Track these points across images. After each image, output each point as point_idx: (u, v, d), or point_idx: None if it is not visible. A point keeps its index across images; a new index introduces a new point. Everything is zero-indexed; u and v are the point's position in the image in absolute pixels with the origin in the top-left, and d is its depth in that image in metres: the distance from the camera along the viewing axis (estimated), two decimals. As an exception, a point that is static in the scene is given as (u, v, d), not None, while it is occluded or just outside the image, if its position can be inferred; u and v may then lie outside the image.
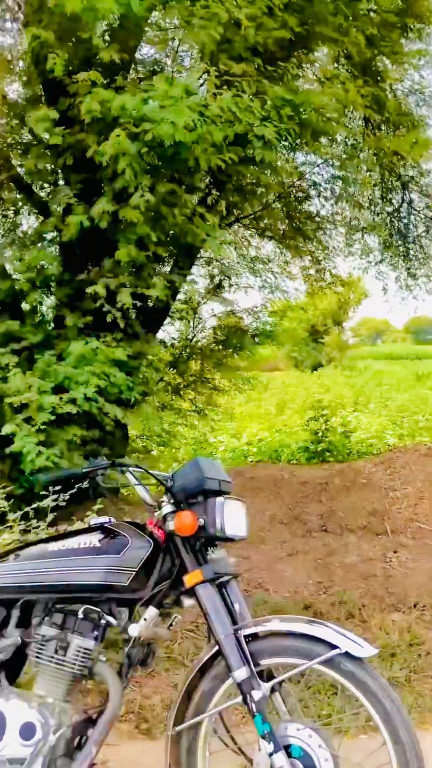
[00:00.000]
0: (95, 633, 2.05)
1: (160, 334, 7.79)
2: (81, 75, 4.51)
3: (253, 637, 1.99)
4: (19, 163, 5.56)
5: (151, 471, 2.20)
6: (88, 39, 4.53)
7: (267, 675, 2.00)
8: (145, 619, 1.99)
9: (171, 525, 2.04)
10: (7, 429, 4.87)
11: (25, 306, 5.98)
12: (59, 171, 5.68)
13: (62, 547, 2.10)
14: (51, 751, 1.93)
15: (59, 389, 5.26)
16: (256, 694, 1.89)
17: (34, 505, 3.44)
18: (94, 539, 2.09)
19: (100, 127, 4.86)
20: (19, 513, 3.42)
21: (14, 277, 5.77)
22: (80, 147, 4.98)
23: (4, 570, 2.11)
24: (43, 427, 4.98)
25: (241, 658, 1.93)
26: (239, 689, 1.92)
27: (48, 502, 3.50)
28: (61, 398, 5.02)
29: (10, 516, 3.40)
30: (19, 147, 6.13)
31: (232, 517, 2.07)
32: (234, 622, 2.06)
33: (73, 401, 5.13)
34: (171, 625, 2.26)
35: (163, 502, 2.14)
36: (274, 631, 1.97)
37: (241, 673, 1.91)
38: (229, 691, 2.02)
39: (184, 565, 2.06)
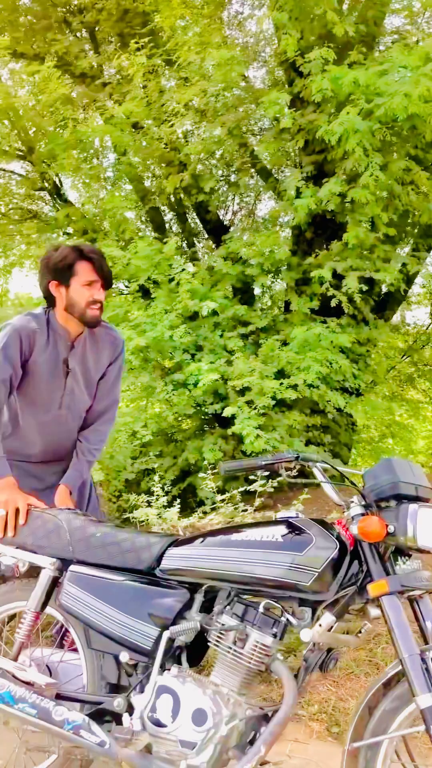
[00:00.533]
0: (274, 630, 1.98)
1: (396, 320, 7.49)
2: (312, 53, 4.40)
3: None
4: (254, 148, 5.60)
5: (340, 468, 2.07)
6: (323, 15, 4.39)
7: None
8: (320, 625, 1.88)
9: (355, 528, 1.89)
10: (229, 411, 4.99)
11: (257, 291, 6.09)
12: (292, 154, 5.64)
13: (245, 538, 2.05)
14: (222, 742, 1.92)
15: (284, 374, 5.27)
16: (442, 727, 1.69)
17: (241, 489, 3.47)
18: (277, 533, 2.02)
19: (333, 106, 4.72)
20: (227, 495, 3.48)
21: (250, 262, 5.87)
22: (312, 128, 4.88)
23: (189, 553, 2.12)
24: (263, 411, 5.04)
25: (426, 682, 1.74)
26: (422, 717, 1.73)
27: (256, 487, 3.50)
28: (282, 383, 5.02)
29: (218, 497, 3.47)
30: (255, 133, 6.21)
31: (427, 526, 1.87)
32: (425, 641, 1.88)
33: (294, 387, 5.12)
34: (360, 632, 2.13)
35: (352, 502, 2.00)
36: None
37: (425, 700, 1.72)
38: (415, 714, 1.84)
39: (370, 573, 1.91)
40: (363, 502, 1.97)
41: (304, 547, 1.95)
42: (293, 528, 2.02)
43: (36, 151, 6.35)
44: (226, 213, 7.45)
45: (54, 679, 2.24)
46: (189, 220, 7.30)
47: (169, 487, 5.36)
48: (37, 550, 2.30)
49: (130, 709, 2.03)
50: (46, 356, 2.59)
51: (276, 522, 2.08)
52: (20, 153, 6.59)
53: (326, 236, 5.80)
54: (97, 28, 6.63)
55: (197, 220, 7.15)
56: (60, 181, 7.02)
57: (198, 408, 5.72)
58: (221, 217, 7.12)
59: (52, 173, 6.59)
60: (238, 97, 5.36)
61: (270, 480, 3.60)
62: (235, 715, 1.95)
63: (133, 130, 6.18)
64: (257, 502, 3.54)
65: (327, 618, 1.88)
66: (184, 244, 7.12)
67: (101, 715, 2.07)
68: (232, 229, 6.79)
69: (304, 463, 2.03)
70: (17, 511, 2.38)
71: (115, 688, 2.17)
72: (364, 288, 5.05)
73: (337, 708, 2.93)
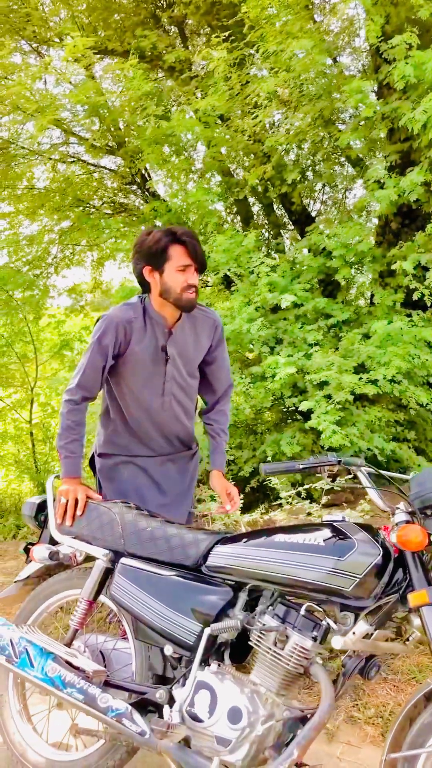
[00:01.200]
0: (314, 633, 1.97)
1: None
2: (395, 39, 4.26)
3: None
4: (336, 137, 5.48)
5: (387, 473, 2.03)
6: (407, -2, 4.25)
7: None
8: (353, 633, 1.85)
9: (395, 536, 1.85)
10: (306, 405, 4.94)
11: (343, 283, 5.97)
12: (378, 143, 5.48)
13: (289, 540, 2.05)
14: (258, 741, 1.93)
15: (365, 368, 5.16)
16: None
17: (306, 486, 3.44)
18: (320, 537, 2.00)
19: (419, 92, 4.55)
20: (292, 491, 3.46)
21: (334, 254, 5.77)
22: (397, 116, 4.73)
23: (233, 552, 2.14)
24: (342, 405, 4.95)
25: (465, 699, 1.69)
26: (458, 735, 1.68)
27: (322, 485, 3.47)
28: (361, 378, 4.92)
29: (283, 494, 3.46)
30: (344, 121, 6.07)
31: (472, 538, 1.81)
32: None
33: (374, 382, 5.00)
34: (407, 640, 2.09)
35: (398, 509, 1.96)
36: None
37: (462, 717, 1.68)
38: (457, 731, 1.79)
39: (412, 582, 1.86)
40: (409, 509, 1.93)
41: (346, 552, 1.93)
42: (337, 532, 2.01)
43: (125, 146, 6.48)
44: (315, 203, 7.36)
45: (105, 666, 2.32)
46: (276, 211, 7.26)
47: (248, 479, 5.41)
48: (92, 542, 2.39)
49: (172, 701, 2.08)
50: (144, 344, 2.59)
51: (321, 525, 2.07)
52: (109, 148, 6.77)
53: (414, 227, 5.62)
54: (185, 22, 6.69)
55: (284, 211, 7.10)
56: (148, 174, 7.14)
57: (276, 401, 5.70)
58: (309, 208, 7.03)
59: (141, 168, 6.70)
60: (323, 86, 5.25)
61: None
62: (273, 716, 1.96)
63: (221, 122, 6.21)
64: (324, 499, 3.51)
65: (361, 626, 1.85)
66: (269, 236, 7.10)
67: (145, 705, 2.13)
68: (317, 219, 6.69)
69: (347, 468, 2.00)
70: (76, 501, 2.47)
71: (161, 680, 2.23)
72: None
73: (394, 713, 2.88)
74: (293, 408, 5.57)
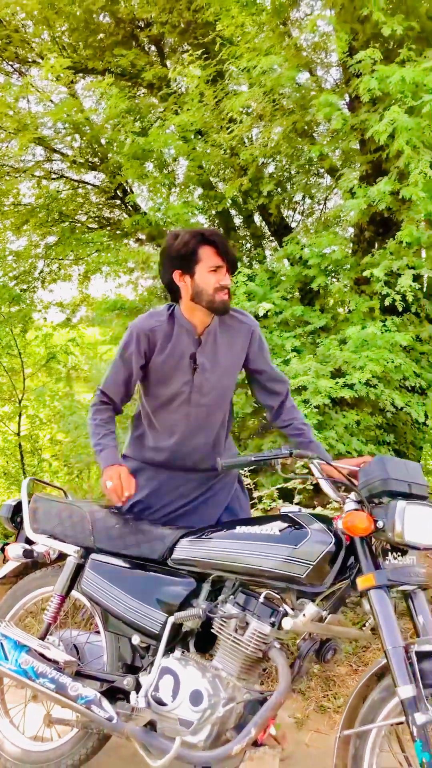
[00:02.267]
0: (272, 619, 2.08)
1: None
2: (359, 54, 4.41)
3: (429, 656, 1.83)
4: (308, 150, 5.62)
5: (336, 464, 2.14)
6: (369, 15, 4.40)
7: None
8: (303, 615, 1.96)
9: (341, 523, 1.96)
10: (283, 410, 5.04)
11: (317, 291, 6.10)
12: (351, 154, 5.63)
13: (246, 531, 2.16)
14: (220, 723, 2.03)
15: (342, 373, 5.29)
16: (420, 718, 1.74)
17: (279, 485, 3.55)
18: (275, 527, 2.11)
19: (386, 105, 4.70)
20: (265, 492, 3.56)
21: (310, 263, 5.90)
22: (366, 128, 4.87)
23: (196, 545, 2.25)
24: (322, 410, 5.07)
25: (407, 674, 1.80)
26: (402, 708, 1.79)
27: (295, 484, 3.57)
28: (337, 382, 5.04)
29: (256, 493, 3.56)
30: (319, 134, 6.22)
31: (415, 522, 1.91)
32: (418, 636, 1.93)
33: (351, 386, 5.12)
34: (364, 625, 2.20)
35: (349, 498, 2.07)
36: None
37: (405, 691, 1.78)
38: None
39: (361, 567, 1.97)
40: (358, 498, 2.04)
41: (300, 541, 2.04)
42: (292, 522, 2.11)
43: (106, 162, 6.63)
44: (294, 214, 7.50)
45: (76, 658, 2.42)
46: (256, 222, 7.41)
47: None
48: (65, 539, 2.50)
49: (139, 687, 2.18)
50: (168, 353, 2.48)
51: (277, 516, 2.18)
52: (91, 163, 6.91)
53: (389, 235, 5.76)
54: (163, 41, 6.86)
55: (264, 222, 7.25)
56: (130, 189, 7.28)
57: (259, 406, 5.81)
58: (287, 219, 7.18)
59: (122, 182, 6.84)
60: (296, 100, 5.40)
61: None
62: (233, 698, 2.06)
63: (200, 136, 6.36)
64: (296, 498, 3.61)
65: (310, 609, 1.95)
66: (250, 246, 7.24)
67: (114, 693, 2.23)
68: (295, 229, 6.83)
69: (299, 459, 2.11)
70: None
71: (131, 669, 2.33)
72: (417, 286, 4.98)
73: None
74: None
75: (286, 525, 2.11)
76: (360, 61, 4.55)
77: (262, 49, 5.00)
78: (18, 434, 7.58)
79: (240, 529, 2.18)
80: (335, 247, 5.54)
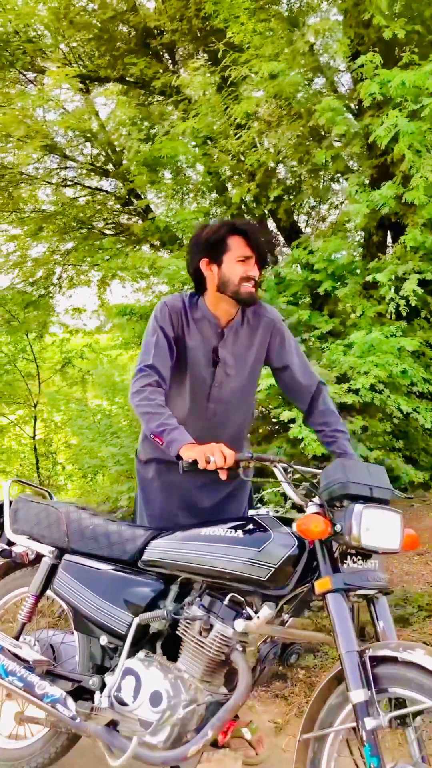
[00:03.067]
0: (235, 622, 2.07)
1: None
2: (360, 59, 4.41)
3: (383, 660, 1.82)
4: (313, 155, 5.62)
5: (299, 467, 2.13)
6: (370, 19, 4.39)
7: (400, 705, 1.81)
8: (258, 617, 1.96)
9: (295, 526, 1.96)
10: (286, 415, 5.04)
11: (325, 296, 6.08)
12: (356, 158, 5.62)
13: (212, 533, 2.15)
14: (181, 724, 2.03)
15: (349, 379, 5.26)
16: (369, 723, 1.73)
17: (269, 490, 3.54)
18: (240, 530, 2.11)
19: (389, 109, 4.68)
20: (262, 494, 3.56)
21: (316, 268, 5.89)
22: (371, 133, 4.86)
23: (164, 546, 2.25)
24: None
25: (360, 679, 1.78)
26: (354, 712, 1.77)
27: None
28: (342, 387, 5.01)
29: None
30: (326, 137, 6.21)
31: (373, 526, 1.90)
32: (378, 640, 1.92)
33: (356, 392, 5.09)
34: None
35: (311, 502, 2.06)
36: (399, 659, 1.77)
37: (357, 695, 1.76)
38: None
39: (320, 570, 1.96)
40: (319, 502, 2.03)
41: (262, 544, 2.03)
42: (257, 525, 2.11)
43: (119, 168, 6.71)
44: (307, 218, 7.50)
45: (52, 657, 2.45)
46: (269, 226, 7.42)
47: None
48: (41, 540, 2.53)
49: (104, 688, 2.19)
50: (193, 342, 2.41)
51: (243, 519, 2.18)
52: (104, 170, 7.00)
53: (397, 240, 5.73)
54: (175, 49, 6.92)
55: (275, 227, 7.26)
56: (143, 194, 7.34)
57: (268, 412, 5.82)
58: (299, 224, 7.18)
59: (135, 188, 6.90)
60: (302, 104, 5.41)
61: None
62: (195, 700, 2.06)
63: (210, 143, 6.40)
64: (289, 503, 3.60)
65: (264, 611, 1.95)
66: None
67: (81, 693, 2.25)
68: (303, 234, 6.82)
69: (261, 463, 2.11)
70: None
71: (100, 669, 2.34)
72: (420, 291, 4.94)
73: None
74: (278, 419, 5.67)
75: (250, 528, 2.10)
76: (362, 65, 4.55)
77: (267, 55, 5.01)
78: (33, 437, 7.68)
79: (205, 531, 2.18)
80: (344, 252, 5.53)
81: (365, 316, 5.55)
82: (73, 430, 6.29)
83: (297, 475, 2.25)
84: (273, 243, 7.30)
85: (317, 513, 1.98)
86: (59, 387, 7.94)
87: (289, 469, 2.11)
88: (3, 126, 5.76)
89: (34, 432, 7.67)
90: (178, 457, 2.09)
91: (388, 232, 6.18)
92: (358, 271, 5.77)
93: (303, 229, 7.22)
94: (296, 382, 2.51)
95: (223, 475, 2.07)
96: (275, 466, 2.12)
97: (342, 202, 7.67)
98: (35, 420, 7.62)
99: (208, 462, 1.99)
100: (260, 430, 6.39)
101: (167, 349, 2.35)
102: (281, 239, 7.31)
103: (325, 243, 5.45)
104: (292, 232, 6.90)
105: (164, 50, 7.03)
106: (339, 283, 5.94)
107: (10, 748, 2.46)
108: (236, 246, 2.31)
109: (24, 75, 6.64)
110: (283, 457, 2.19)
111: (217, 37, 6.25)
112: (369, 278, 4.90)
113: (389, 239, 6.16)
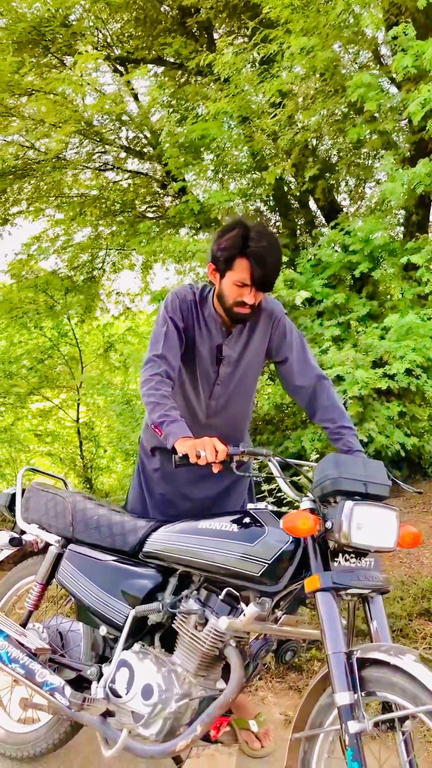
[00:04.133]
0: (230, 617, 2.05)
1: None
2: (392, 30, 4.23)
3: (372, 663, 1.76)
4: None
5: (293, 461, 2.08)
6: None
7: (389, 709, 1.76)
8: (244, 615, 1.92)
9: (282, 523, 1.90)
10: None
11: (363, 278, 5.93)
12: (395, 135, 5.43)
13: (209, 526, 2.13)
14: (174, 718, 2.02)
15: (384, 363, 5.13)
16: (353, 726, 1.67)
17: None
18: (235, 524, 2.07)
19: (425, 83, 4.49)
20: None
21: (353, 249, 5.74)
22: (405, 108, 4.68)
23: (163, 538, 2.23)
24: (366, 401, 4.95)
25: (346, 681, 1.73)
26: (338, 714, 1.73)
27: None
28: (375, 372, 4.89)
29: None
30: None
31: (365, 523, 1.83)
32: (371, 641, 1.86)
33: (391, 377, 4.96)
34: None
35: (306, 497, 2.00)
36: (386, 662, 1.71)
37: (342, 698, 1.71)
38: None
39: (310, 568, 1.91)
40: (312, 498, 1.98)
41: (256, 539, 2.00)
42: (253, 520, 2.07)
43: (156, 151, 6.67)
44: (346, 197, 7.33)
45: (62, 645, 2.48)
46: (310, 206, 7.27)
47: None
48: (48, 529, 2.55)
49: (101, 678, 2.20)
50: (200, 337, 2.40)
51: (239, 513, 2.14)
52: (143, 153, 6.97)
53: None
54: (211, 27, 6.80)
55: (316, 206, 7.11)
56: (182, 178, 7.28)
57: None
58: (339, 203, 7.01)
59: (172, 170, 6.85)
60: (337, 81, 5.24)
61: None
62: (188, 694, 2.05)
63: (247, 122, 6.29)
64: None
65: (251, 609, 1.91)
66: (301, 230, 7.13)
67: (82, 682, 2.27)
68: (341, 214, 6.65)
69: (254, 458, 2.06)
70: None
71: (102, 659, 2.36)
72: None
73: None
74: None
75: (246, 522, 2.06)
76: (396, 37, 4.36)
77: (301, 29, 4.85)
78: (77, 421, 7.79)
79: (202, 524, 2.15)
80: (382, 233, 5.37)
81: (404, 298, 5.40)
82: (108, 416, 6.35)
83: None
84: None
85: (308, 509, 1.93)
86: (102, 371, 8.02)
87: (283, 464, 2.06)
88: (39, 111, 5.79)
89: (78, 415, 7.78)
90: (173, 450, 2.07)
91: (431, 211, 5.98)
92: (397, 252, 5.61)
93: (345, 208, 7.04)
94: (293, 376, 2.46)
95: (215, 469, 2.04)
96: (270, 461, 2.07)
97: (380, 182, 7.48)
98: (78, 404, 7.72)
99: (198, 456, 1.97)
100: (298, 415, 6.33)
101: (177, 340, 2.35)
102: (322, 218, 7.15)
103: (364, 223, 5.30)
104: (331, 212, 6.74)
105: (201, 29, 6.92)
106: (377, 265, 5.80)
107: (17, 732, 2.51)
108: (239, 269, 2.26)
109: (60, 60, 6.64)
110: (273, 452, 2.14)
111: (254, 12, 6.12)
112: (403, 260, 4.74)
113: None
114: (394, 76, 5.16)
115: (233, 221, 2.33)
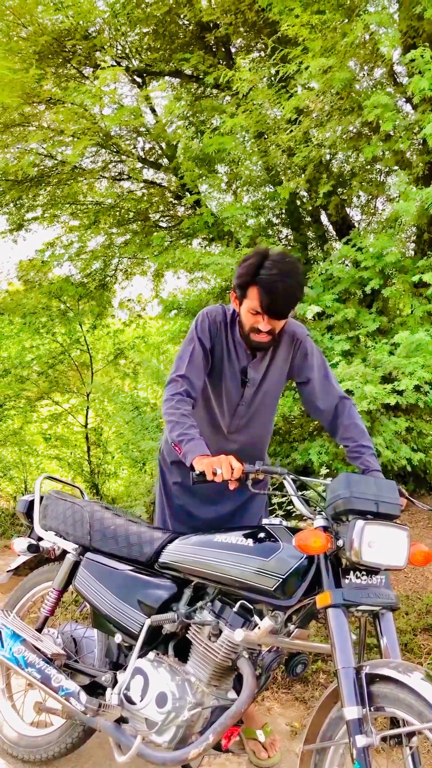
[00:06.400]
0: (236, 631, 2.11)
1: None
2: (410, 53, 4.31)
3: (381, 679, 1.82)
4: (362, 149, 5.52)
5: (307, 479, 2.14)
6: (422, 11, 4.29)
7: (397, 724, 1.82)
8: (259, 628, 1.98)
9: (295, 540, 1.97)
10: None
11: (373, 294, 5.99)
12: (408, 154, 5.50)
13: (225, 540, 2.19)
14: (186, 726, 2.08)
15: (393, 379, 5.19)
16: (361, 740, 1.73)
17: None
18: (251, 538, 2.14)
19: (442, 103, 4.57)
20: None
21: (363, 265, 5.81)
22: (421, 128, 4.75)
23: (179, 550, 2.29)
24: (373, 416, 5.01)
25: (355, 696, 1.79)
26: (347, 728, 1.79)
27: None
28: (384, 388, 4.95)
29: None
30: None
31: (376, 542, 1.90)
32: (381, 657, 1.92)
33: (400, 392, 5.02)
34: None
35: (320, 515, 2.06)
36: (394, 679, 1.77)
37: (351, 712, 1.77)
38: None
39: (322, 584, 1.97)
40: (325, 516, 2.04)
41: (271, 554, 2.06)
42: (268, 535, 2.13)
43: (172, 163, 6.76)
44: (359, 213, 7.39)
45: (74, 650, 2.54)
46: (322, 221, 7.34)
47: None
48: (66, 537, 2.62)
49: (115, 685, 2.27)
50: (227, 358, 2.47)
51: (255, 528, 2.21)
52: (159, 164, 7.05)
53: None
54: (230, 42, 6.90)
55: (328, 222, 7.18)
56: (195, 189, 7.37)
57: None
58: (351, 219, 7.08)
59: (187, 182, 6.94)
60: (353, 100, 5.32)
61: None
62: (201, 704, 2.11)
63: (263, 137, 6.37)
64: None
65: (266, 622, 1.98)
66: (314, 245, 7.19)
67: (95, 688, 2.33)
68: (353, 230, 6.72)
69: (270, 475, 2.13)
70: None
71: (116, 666, 2.42)
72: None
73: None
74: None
75: (261, 537, 2.13)
76: (413, 60, 4.44)
77: (319, 49, 4.94)
78: (85, 426, 7.86)
79: (218, 538, 2.21)
80: (393, 248, 5.43)
81: (414, 315, 5.46)
82: (116, 422, 6.43)
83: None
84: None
85: (320, 528, 1.99)
86: (112, 377, 8.11)
87: (298, 482, 2.13)
88: (58, 121, 5.89)
89: (86, 421, 7.86)
90: (191, 468, 2.15)
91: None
92: (407, 270, 5.67)
93: (356, 224, 7.11)
94: (314, 397, 2.53)
95: (231, 486, 2.11)
96: (284, 479, 2.14)
97: (393, 198, 7.55)
98: (87, 409, 7.80)
99: (214, 474, 2.04)
100: (306, 426, 6.38)
101: (202, 360, 2.43)
102: (333, 233, 7.22)
103: (375, 240, 5.36)
104: (344, 227, 6.81)
105: (219, 44, 7.02)
106: (388, 281, 5.86)
107: (31, 735, 2.57)
108: (252, 297, 2.32)
109: (80, 71, 6.74)
110: (288, 470, 2.21)
111: (272, 29, 6.20)
112: (415, 278, 4.80)
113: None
114: (409, 94, 5.23)
115: (255, 250, 2.40)
